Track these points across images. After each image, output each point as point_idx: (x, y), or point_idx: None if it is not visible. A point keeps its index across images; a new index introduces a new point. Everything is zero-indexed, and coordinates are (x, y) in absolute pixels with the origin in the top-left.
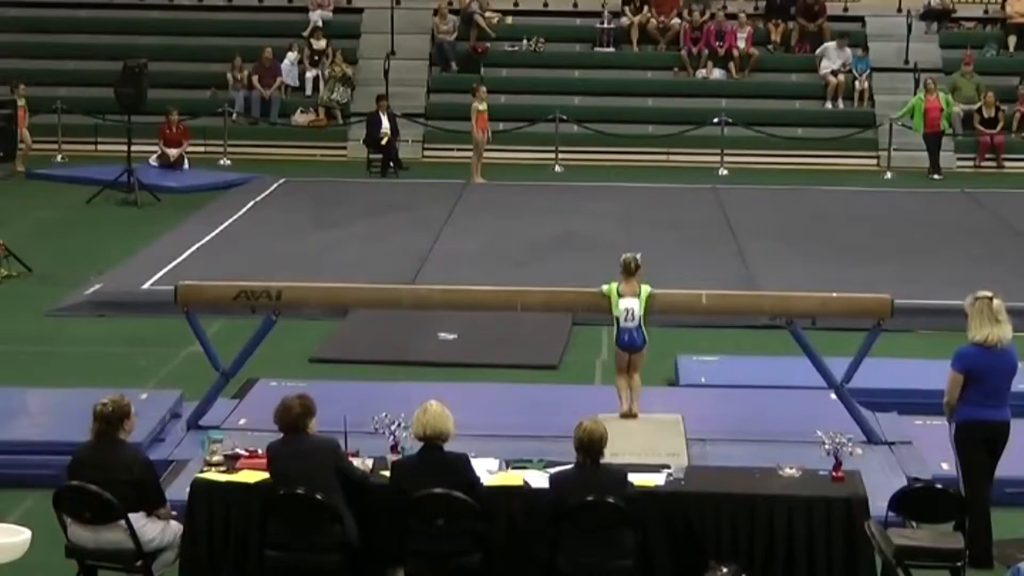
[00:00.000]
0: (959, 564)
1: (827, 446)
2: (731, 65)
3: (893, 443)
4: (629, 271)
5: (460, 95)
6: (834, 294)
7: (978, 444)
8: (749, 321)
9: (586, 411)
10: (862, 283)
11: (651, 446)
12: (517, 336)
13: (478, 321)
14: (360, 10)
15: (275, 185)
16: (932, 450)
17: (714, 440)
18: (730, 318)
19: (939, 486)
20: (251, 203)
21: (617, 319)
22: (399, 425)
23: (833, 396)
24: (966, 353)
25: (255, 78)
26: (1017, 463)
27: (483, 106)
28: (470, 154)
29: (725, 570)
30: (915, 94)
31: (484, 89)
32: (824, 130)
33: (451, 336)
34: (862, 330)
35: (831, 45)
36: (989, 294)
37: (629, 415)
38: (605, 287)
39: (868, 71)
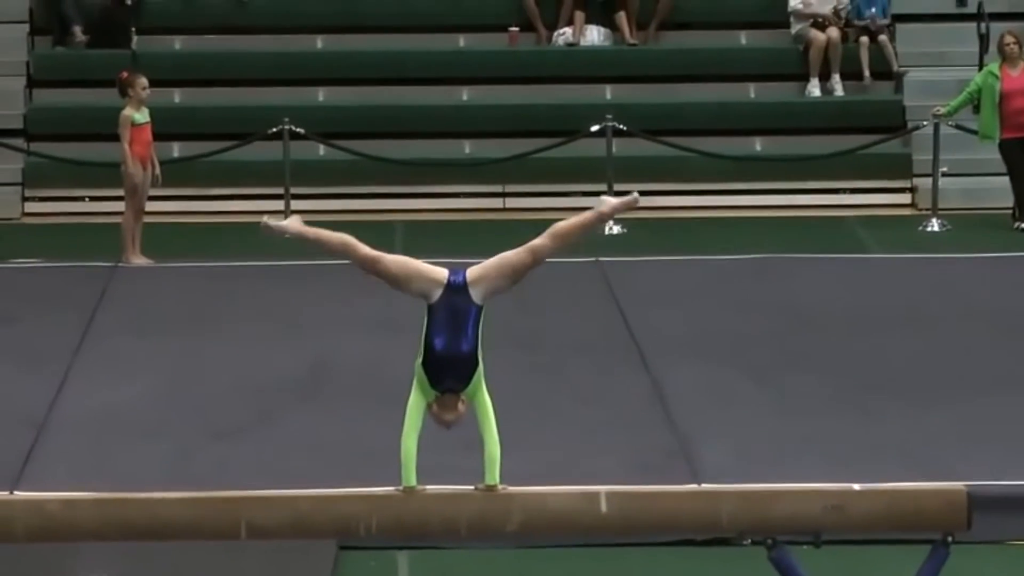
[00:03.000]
0: None
1: None
2: (621, 18)
3: None
4: None
5: (94, 92)
6: (856, 487)
7: None
8: (688, 535)
9: None
10: (902, 452)
11: None
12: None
13: (155, 550)
14: None
15: None
16: None
17: None
18: (651, 533)
19: None
20: None
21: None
22: None
23: None
24: None
25: None
26: None
27: (142, 115)
28: (119, 209)
29: None
30: (980, 66)
31: (143, 81)
32: (806, 141)
33: None
34: (912, 543)
35: None
36: None
37: None
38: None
39: (886, 18)
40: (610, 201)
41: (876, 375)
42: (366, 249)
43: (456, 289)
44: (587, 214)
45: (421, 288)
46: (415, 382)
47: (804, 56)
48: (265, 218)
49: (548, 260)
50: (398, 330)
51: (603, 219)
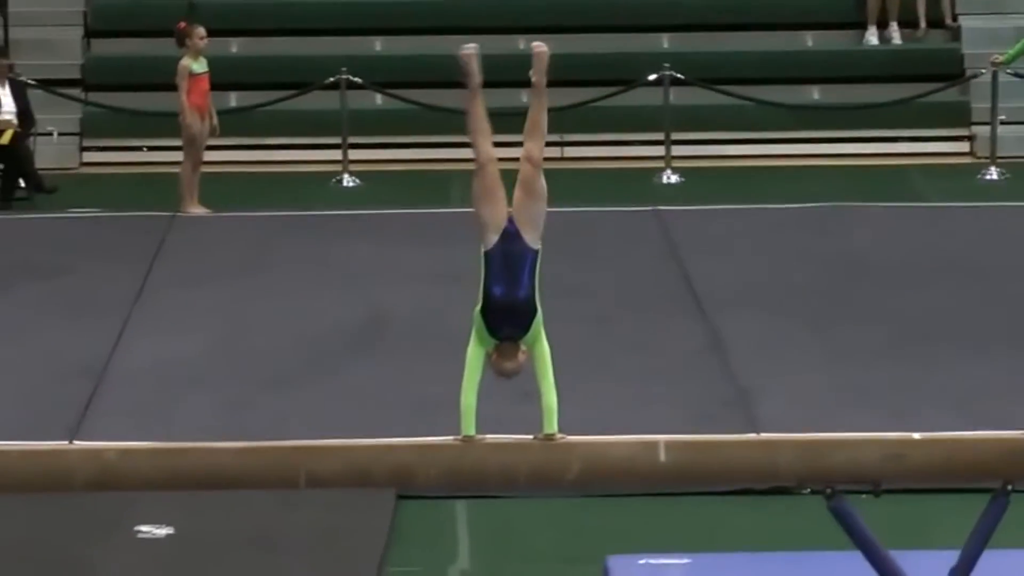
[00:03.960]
0: None
1: None
2: None
3: None
4: None
5: (151, 42)
6: (915, 435)
7: None
8: (747, 484)
9: None
10: (959, 401)
11: None
12: (289, 526)
13: (213, 501)
14: None
15: None
16: None
17: None
18: (710, 483)
19: None
20: None
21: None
22: None
23: None
24: None
25: None
26: None
27: (199, 64)
28: (177, 159)
29: None
30: None
31: (201, 31)
32: (864, 89)
33: (161, 531)
34: (971, 492)
35: None
36: None
37: None
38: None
39: None
40: (533, 70)
41: (935, 324)
42: (490, 148)
43: (511, 236)
44: (531, 93)
45: (487, 216)
46: (474, 331)
47: (862, 4)
48: (471, 46)
49: (605, 208)
50: (455, 280)
51: (538, 83)
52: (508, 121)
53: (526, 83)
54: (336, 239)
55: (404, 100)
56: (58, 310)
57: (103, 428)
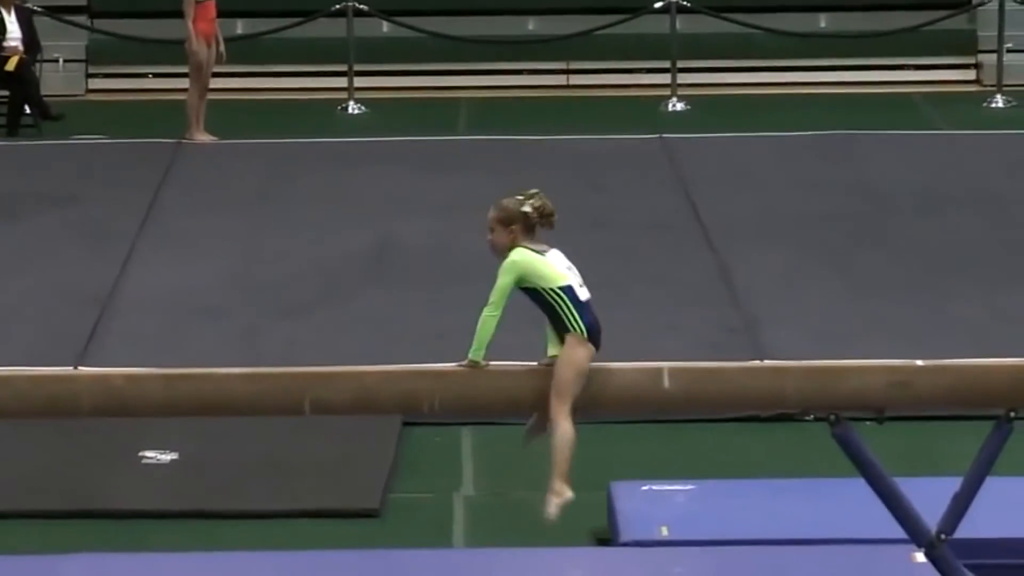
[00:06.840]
0: None
1: None
2: None
3: None
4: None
5: None
6: (919, 362)
7: None
8: (751, 411)
9: None
10: (966, 331)
11: None
12: (294, 453)
13: (218, 427)
14: None
15: None
16: None
17: None
18: (714, 409)
19: None
20: None
21: (565, 291)
22: None
23: (922, 558)
24: None
25: None
26: None
27: None
28: (183, 86)
29: None
30: None
31: None
32: (871, 17)
33: (166, 457)
34: (974, 420)
35: None
36: None
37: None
38: (510, 265)
39: None
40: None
41: (943, 253)
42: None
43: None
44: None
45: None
46: (508, 275)
47: None
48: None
49: (611, 136)
50: (463, 209)
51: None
52: (515, 49)
53: (531, 10)
54: (344, 167)
55: (411, 28)
56: (64, 237)
57: (108, 356)
